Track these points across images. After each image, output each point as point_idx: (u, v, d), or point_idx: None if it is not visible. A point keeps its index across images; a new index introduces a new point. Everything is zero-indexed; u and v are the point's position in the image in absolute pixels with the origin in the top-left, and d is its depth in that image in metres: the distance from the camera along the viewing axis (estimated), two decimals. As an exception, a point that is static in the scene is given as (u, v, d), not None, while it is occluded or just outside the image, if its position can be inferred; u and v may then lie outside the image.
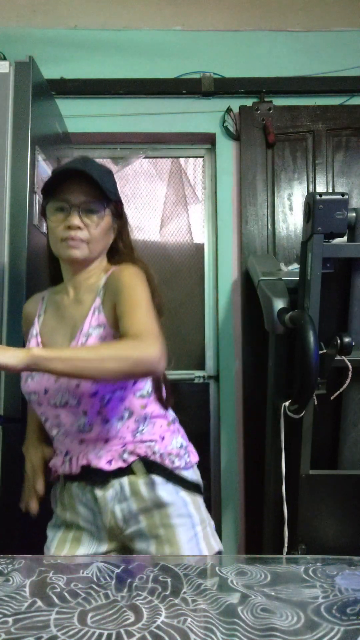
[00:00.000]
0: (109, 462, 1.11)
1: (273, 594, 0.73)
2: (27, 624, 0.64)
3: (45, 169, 1.74)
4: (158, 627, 0.63)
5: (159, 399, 1.19)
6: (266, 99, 2.39)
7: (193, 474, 1.19)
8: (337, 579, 0.79)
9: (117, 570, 0.82)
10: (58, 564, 0.85)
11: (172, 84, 2.39)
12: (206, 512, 1.18)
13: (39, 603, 0.70)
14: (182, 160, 2.57)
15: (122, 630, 0.62)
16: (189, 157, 2.57)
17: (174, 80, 2.40)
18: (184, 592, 0.73)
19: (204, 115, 2.41)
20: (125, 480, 1.11)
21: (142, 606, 0.69)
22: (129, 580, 0.78)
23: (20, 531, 1.49)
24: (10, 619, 0.65)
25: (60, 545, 1.16)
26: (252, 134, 2.38)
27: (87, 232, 1.13)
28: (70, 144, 2.33)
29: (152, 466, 1.12)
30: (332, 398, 1.62)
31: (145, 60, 2.42)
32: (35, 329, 1.22)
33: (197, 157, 2.56)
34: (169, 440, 1.16)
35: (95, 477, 1.12)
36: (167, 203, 2.54)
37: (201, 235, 2.53)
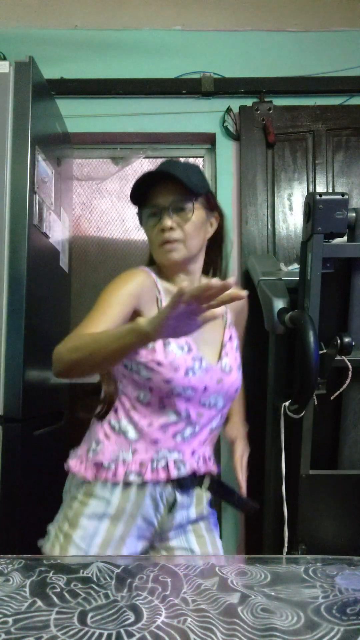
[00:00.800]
0: (206, 465, 1.18)
1: (273, 594, 0.73)
2: (27, 624, 0.64)
3: (45, 169, 1.74)
4: (158, 627, 0.63)
5: None
6: (266, 99, 2.38)
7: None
8: (337, 579, 0.79)
9: (117, 570, 0.82)
10: (58, 564, 0.85)
11: (172, 84, 2.39)
12: None
13: (39, 603, 0.70)
14: (182, 160, 2.56)
15: (122, 630, 0.62)
16: (189, 157, 2.57)
17: (174, 80, 2.40)
18: (184, 592, 0.73)
19: (204, 115, 2.41)
20: (195, 490, 1.16)
21: (142, 606, 0.69)
22: (129, 580, 0.78)
23: (20, 531, 1.49)
24: (10, 619, 0.65)
25: (105, 545, 1.08)
26: (252, 134, 2.38)
27: (181, 230, 1.12)
28: (70, 144, 2.33)
29: (212, 481, 1.18)
30: (332, 398, 1.62)
31: (145, 60, 2.42)
32: None
33: (197, 157, 2.56)
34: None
35: (185, 481, 1.13)
36: (167, 203, 2.54)
37: (201, 235, 2.52)
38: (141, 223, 1.19)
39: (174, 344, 1.08)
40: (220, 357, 1.16)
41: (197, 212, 1.14)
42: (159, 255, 1.15)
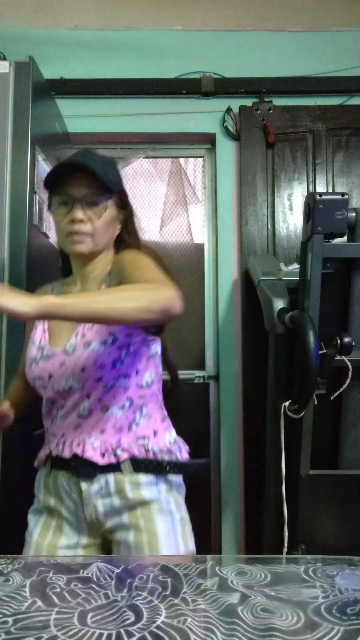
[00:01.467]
0: (103, 454, 1.11)
1: (273, 594, 0.73)
2: (27, 624, 0.64)
3: (45, 169, 1.74)
4: (158, 627, 0.63)
5: (160, 390, 1.21)
6: (266, 99, 2.39)
7: (177, 475, 1.19)
8: (337, 579, 0.79)
9: (117, 570, 0.82)
10: (58, 564, 0.85)
11: (172, 84, 2.39)
12: (186, 512, 1.18)
13: (39, 603, 0.70)
14: (182, 160, 2.57)
15: (122, 630, 0.62)
16: (189, 157, 2.57)
17: (174, 80, 2.40)
18: (184, 592, 0.73)
19: (204, 115, 2.41)
20: (111, 477, 1.12)
21: (142, 606, 0.69)
22: (129, 580, 0.78)
23: (21, 531, 1.49)
24: (10, 619, 0.65)
25: (44, 532, 1.17)
26: (252, 134, 2.38)
27: (91, 225, 1.13)
28: (70, 144, 2.33)
29: (139, 465, 1.13)
30: (332, 398, 1.62)
31: (145, 60, 2.42)
32: (44, 322, 1.21)
33: (197, 157, 2.56)
34: (162, 435, 1.17)
35: (84, 469, 1.12)
36: (167, 203, 2.54)
37: (201, 235, 2.53)
38: (49, 208, 1.20)
39: (31, 340, 1.20)
40: (69, 339, 1.13)
41: (109, 209, 1.15)
42: (65, 245, 1.17)
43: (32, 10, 2.42)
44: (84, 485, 1.12)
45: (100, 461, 1.11)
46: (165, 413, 1.23)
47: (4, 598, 0.71)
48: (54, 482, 1.17)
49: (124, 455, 1.11)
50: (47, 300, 0.91)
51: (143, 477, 1.13)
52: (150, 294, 0.96)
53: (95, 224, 1.13)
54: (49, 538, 1.15)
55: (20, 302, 0.89)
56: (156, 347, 1.19)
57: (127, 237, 1.23)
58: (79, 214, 1.11)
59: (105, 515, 1.13)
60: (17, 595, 0.72)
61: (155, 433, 1.16)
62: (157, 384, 1.20)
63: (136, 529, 1.11)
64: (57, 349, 1.14)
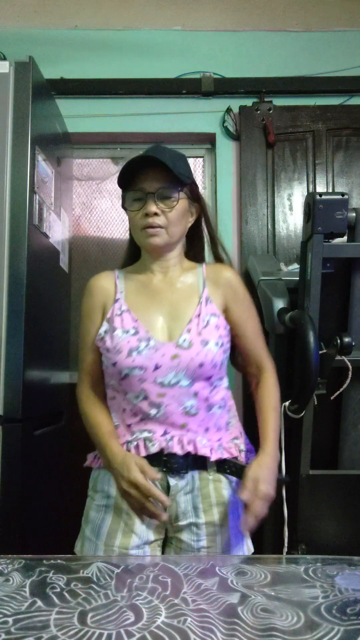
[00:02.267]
0: (210, 450, 1.14)
1: (273, 594, 0.73)
2: (27, 624, 0.64)
3: (45, 169, 1.74)
4: (158, 627, 0.63)
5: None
6: (266, 99, 2.38)
7: None
8: (337, 579, 0.79)
9: (117, 570, 0.82)
10: (58, 564, 0.85)
11: (172, 84, 2.39)
12: None
13: (39, 603, 0.70)
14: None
15: (122, 630, 0.62)
16: (189, 157, 2.55)
17: (174, 80, 2.40)
18: (184, 592, 0.73)
19: (204, 115, 2.41)
20: (196, 473, 1.14)
21: (142, 606, 0.69)
22: (129, 580, 0.78)
23: (20, 531, 1.50)
24: (10, 619, 0.65)
25: (112, 533, 1.13)
26: (252, 134, 2.38)
27: (165, 217, 1.16)
28: (70, 144, 2.33)
29: (224, 464, 1.15)
30: (332, 398, 1.62)
31: (145, 60, 2.42)
32: (123, 305, 1.20)
33: (197, 157, 2.56)
34: (244, 435, 1.24)
35: (176, 465, 1.13)
36: (167, 203, 2.54)
37: (201, 235, 2.52)
38: (124, 205, 1.21)
39: (119, 329, 1.16)
40: (181, 334, 1.14)
41: (181, 201, 1.17)
42: (140, 238, 1.19)
43: (32, 10, 2.42)
44: (172, 481, 1.13)
45: (210, 456, 1.13)
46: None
47: (4, 598, 0.71)
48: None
49: (224, 455, 1.15)
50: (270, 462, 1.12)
51: (224, 478, 1.16)
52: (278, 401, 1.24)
53: (168, 216, 1.16)
54: (119, 539, 1.12)
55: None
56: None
57: (199, 230, 1.28)
58: (152, 207, 1.14)
59: (184, 512, 1.13)
60: (17, 595, 0.72)
61: (241, 433, 1.23)
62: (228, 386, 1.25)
63: (210, 534, 1.13)
64: (167, 342, 1.14)
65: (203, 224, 1.29)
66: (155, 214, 1.14)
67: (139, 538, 1.12)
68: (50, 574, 0.80)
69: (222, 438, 1.18)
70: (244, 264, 2.31)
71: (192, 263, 1.28)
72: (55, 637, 0.61)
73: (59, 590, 0.74)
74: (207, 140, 2.49)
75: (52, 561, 0.86)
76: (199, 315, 1.16)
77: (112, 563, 0.85)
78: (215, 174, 2.46)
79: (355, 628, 0.63)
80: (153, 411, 1.13)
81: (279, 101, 2.39)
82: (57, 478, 1.94)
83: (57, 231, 1.94)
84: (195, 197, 1.23)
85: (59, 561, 0.86)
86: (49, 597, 0.72)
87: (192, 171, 1.24)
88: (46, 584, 0.76)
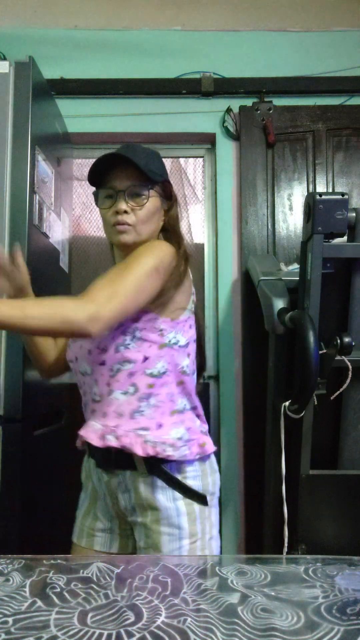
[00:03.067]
0: (101, 438, 1.12)
1: (273, 594, 0.73)
2: (27, 624, 0.64)
3: (45, 169, 1.74)
4: (158, 627, 0.63)
5: (179, 384, 1.16)
6: (266, 99, 2.38)
7: (195, 480, 1.13)
8: (337, 579, 0.79)
9: (117, 570, 0.82)
10: (58, 564, 0.85)
11: (172, 84, 2.39)
12: (203, 525, 1.12)
13: (39, 603, 0.70)
14: (182, 160, 2.57)
15: (122, 630, 0.62)
16: (189, 157, 2.57)
17: (174, 80, 2.40)
18: (184, 592, 0.73)
19: (204, 115, 2.41)
20: (128, 473, 1.13)
21: (142, 606, 0.69)
22: (129, 580, 0.78)
23: (20, 531, 1.49)
24: (10, 619, 0.65)
25: (86, 514, 1.24)
26: (252, 134, 2.38)
27: (134, 215, 1.15)
28: (70, 144, 2.33)
29: (154, 466, 1.11)
30: (332, 398, 1.62)
31: (145, 60, 2.42)
32: None
33: (197, 157, 2.56)
34: (167, 429, 1.13)
35: (99, 458, 1.15)
36: (167, 203, 2.54)
37: (201, 235, 2.53)
38: (97, 203, 1.22)
39: None
40: None
41: (151, 199, 1.17)
42: (111, 235, 1.20)
43: (32, 10, 2.42)
44: (104, 477, 1.16)
45: (99, 444, 1.12)
46: (179, 407, 1.16)
47: (4, 598, 0.71)
48: (88, 467, 1.23)
49: (116, 442, 1.10)
50: None
51: (157, 480, 1.11)
52: (62, 316, 0.99)
53: (138, 214, 1.16)
54: (89, 520, 1.22)
55: None
56: (175, 337, 1.15)
57: (168, 227, 1.24)
58: (122, 205, 1.14)
59: (126, 509, 1.15)
60: (17, 595, 0.72)
61: (159, 425, 1.13)
62: (172, 375, 1.15)
63: (144, 542, 1.12)
64: None
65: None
66: (125, 211, 1.14)
67: (102, 523, 1.20)
68: (50, 574, 0.80)
69: (119, 425, 1.11)
70: (244, 264, 2.31)
71: None
72: (55, 637, 0.61)
73: (59, 590, 0.74)
74: (207, 140, 2.49)
75: (52, 561, 0.86)
76: None
77: (112, 563, 0.85)
78: (215, 174, 2.46)
79: (355, 628, 0.63)
80: (84, 399, 1.22)
81: (279, 101, 2.39)
82: (57, 478, 1.94)
83: (57, 231, 1.94)
84: (167, 195, 1.23)
85: (59, 561, 0.86)
86: (49, 597, 0.72)
87: (167, 170, 1.24)
88: (46, 584, 0.76)
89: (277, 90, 2.39)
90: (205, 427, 1.22)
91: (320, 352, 1.52)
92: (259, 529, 1.87)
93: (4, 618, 0.65)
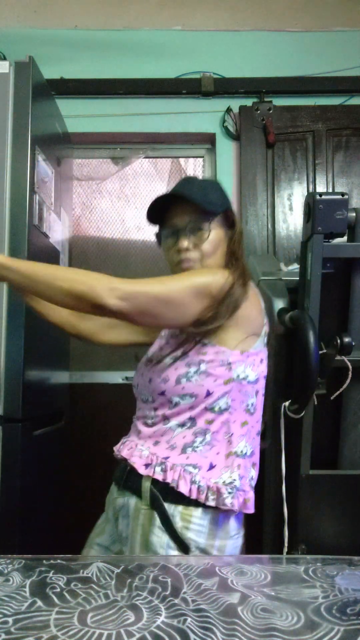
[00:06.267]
0: (146, 465, 1.07)
1: (273, 594, 0.73)
2: (27, 624, 0.64)
3: (45, 169, 1.74)
4: (158, 627, 0.63)
5: (243, 425, 1.10)
6: (266, 99, 2.38)
7: (199, 537, 1.05)
8: (337, 579, 0.79)
9: (117, 570, 0.82)
10: (58, 564, 0.85)
11: (172, 84, 2.39)
12: None
13: (39, 603, 0.70)
14: (182, 160, 2.57)
15: (122, 630, 0.62)
16: (189, 157, 2.57)
17: (174, 80, 2.40)
18: (184, 592, 0.73)
19: (203, 115, 2.41)
20: (132, 500, 1.09)
21: (142, 606, 0.69)
22: (129, 580, 0.78)
23: (21, 531, 1.50)
24: (10, 619, 0.65)
25: (95, 530, 1.23)
26: (252, 134, 2.38)
27: (198, 250, 1.13)
28: (70, 144, 2.33)
29: (156, 501, 1.05)
30: (332, 398, 1.62)
31: (145, 60, 2.42)
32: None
33: (197, 157, 2.56)
34: (219, 471, 1.06)
35: (122, 476, 1.13)
36: (167, 203, 2.54)
37: (201, 235, 2.52)
38: (159, 243, 1.21)
39: None
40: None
41: (213, 232, 1.14)
42: (176, 274, 1.16)
43: (32, 10, 2.42)
44: (114, 494, 1.16)
45: (142, 471, 1.07)
46: (237, 450, 1.08)
47: (4, 598, 0.71)
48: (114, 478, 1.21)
49: (163, 476, 1.05)
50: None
51: (157, 517, 1.04)
52: (86, 284, 0.99)
53: (201, 249, 1.13)
54: (95, 533, 1.21)
55: None
56: (244, 371, 1.09)
57: (231, 256, 1.19)
58: (184, 243, 1.12)
59: (119, 534, 1.14)
60: (17, 595, 0.72)
61: (211, 466, 1.06)
62: (236, 413, 1.09)
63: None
64: (145, 359, 1.19)
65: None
66: (187, 248, 1.12)
67: (108, 538, 1.19)
68: (50, 574, 0.80)
69: (170, 457, 1.06)
70: (244, 264, 2.31)
71: None
72: (55, 637, 0.61)
73: (59, 590, 0.74)
74: (207, 140, 2.49)
75: (52, 561, 0.86)
76: (171, 331, 1.18)
77: (112, 563, 0.85)
78: (215, 174, 2.46)
79: (355, 628, 0.63)
80: (136, 415, 1.20)
81: (279, 101, 2.39)
82: (56, 478, 1.94)
83: (57, 231, 1.94)
84: (230, 224, 1.18)
85: (59, 561, 0.86)
86: (49, 597, 0.72)
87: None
88: (46, 584, 0.76)
89: (277, 90, 2.39)
90: (255, 480, 1.14)
91: (320, 352, 1.52)
92: (259, 529, 1.87)
93: (4, 618, 0.65)
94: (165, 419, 1.10)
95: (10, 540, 1.46)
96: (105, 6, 2.43)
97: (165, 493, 1.04)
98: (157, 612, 0.67)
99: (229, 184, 2.40)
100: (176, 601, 0.70)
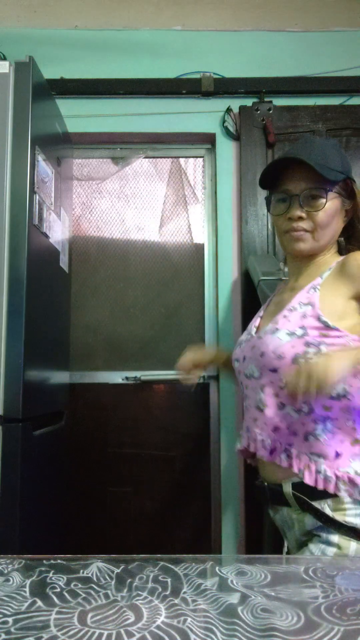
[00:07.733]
0: (271, 452, 1.02)
1: (273, 594, 0.73)
2: (27, 624, 0.64)
3: (45, 169, 1.74)
4: (158, 627, 0.63)
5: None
6: (266, 99, 2.38)
7: (356, 519, 0.98)
8: (337, 579, 0.79)
9: (117, 570, 0.82)
10: (58, 564, 0.85)
11: (172, 84, 2.39)
12: None
13: (39, 603, 0.70)
14: (182, 160, 2.57)
15: (122, 630, 0.62)
16: (189, 157, 2.57)
17: (174, 80, 2.40)
18: (184, 592, 0.73)
19: (204, 115, 2.41)
20: (285, 510, 1.06)
21: (142, 606, 0.69)
22: (129, 580, 0.78)
23: (21, 531, 1.49)
24: (10, 619, 0.65)
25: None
26: (252, 134, 2.38)
27: (311, 221, 1.05)
28: (70, 144, 2.33)
29: (305, 503, 1.01)
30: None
31: (145, 60, 2.42)
32: (262, 311, 1.20)
33: (197, 157, 2.56)
34: (347, 460, 0.99)
35: (265, 473, 1.10)
36: (167, 203, 2.54)
37: (201, 235, 2.53)
38: (268, 209, 1.12)
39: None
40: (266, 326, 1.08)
41: (330, 202, 1.05)
42: (284, 243, 1.10)
43: (32, 10, 2.42)
44: (271, 512, 1.11)
45: (269, 458, 1.03)
46: None
47: (4, 598, 0.71)
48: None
49: (287, 462, 1.01)
50: (344, 367, 0.89)
51: (310, 520, 1.01)
52: None
53: (315, 219, 1.04)
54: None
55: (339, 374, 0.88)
56: None
57: (351, 230, 1.11)
58: (296, 211, 1.04)
59: (297, 542, 1.07)
60: (17, 595, 0.72)
61: (337, 455, 0.99)
62: (356, 399, 1.00)
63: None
64: (255, 333, 1.10)
65: None
66: (300, 217, 1.04)
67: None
68: (50, 574, 0.80)
69: (294, 444, 1.00)
70: (244, 264, 2.31)
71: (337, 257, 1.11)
72: (55, 637, 0.61)
73: (59, 590, 0.74)
74: (207, 140, 2.49)
75: (52, 561, 0.86)
76: (288, 305, 1.06)
77: (112, 563, 0.85)
78: (215, 174, 2.46)
79: (355, 628, 0.63)
80: (245, 403, 1.12)
81: (279, 101, 2.39)
82: (56, 478, 1.94)
83: (57, 231, 1.94)
84: (350, 193, 1.09)
85: (59, 561, 0.86)
86: (49, 597, 0.72)
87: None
88: (46, 584, 0.76)
89: (277, 90, 2.39)
90: None
91: (320, 352, 1.52)
92: (259, 529, 1.87)
93: (4, 618, 0.65)
94: (279, 401, 1.03)
95: (10, 540, 1.46)
96: (105, 6, 2.43)
97: (311, 493, 1.00)
98: (157, 612, 0.67)
99: (229, 184, 2.40)
100: (176, 601, 0.70)
